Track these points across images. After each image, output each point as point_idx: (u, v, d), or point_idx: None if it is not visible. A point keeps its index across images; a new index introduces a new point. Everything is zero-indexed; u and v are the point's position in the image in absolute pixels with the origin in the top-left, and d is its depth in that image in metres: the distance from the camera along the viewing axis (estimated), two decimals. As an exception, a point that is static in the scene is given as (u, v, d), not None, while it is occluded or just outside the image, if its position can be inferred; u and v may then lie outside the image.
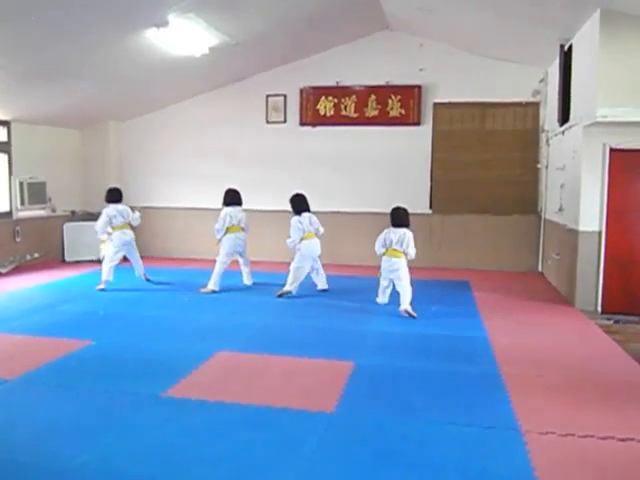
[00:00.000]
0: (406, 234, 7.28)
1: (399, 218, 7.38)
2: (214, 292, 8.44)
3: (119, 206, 8.83)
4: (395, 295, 7.46)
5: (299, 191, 8.47)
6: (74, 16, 6.63)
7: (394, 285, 7.48)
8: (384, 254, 7.39)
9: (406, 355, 5.61)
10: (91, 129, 11.70)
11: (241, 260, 8.94)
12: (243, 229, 8.74)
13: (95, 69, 8.64)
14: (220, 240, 8.62)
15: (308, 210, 8.30)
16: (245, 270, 9.02)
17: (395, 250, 7.27)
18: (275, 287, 8.42)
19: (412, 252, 7.29)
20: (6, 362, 5.30)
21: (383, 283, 7.61)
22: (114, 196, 8.89)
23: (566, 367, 5.31)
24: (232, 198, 8.74)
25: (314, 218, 8.31)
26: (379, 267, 7.59)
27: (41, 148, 10.74)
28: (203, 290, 8.48)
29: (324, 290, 8.50)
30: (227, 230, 8.59)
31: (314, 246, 8.22)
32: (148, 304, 7.80)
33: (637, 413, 4.27)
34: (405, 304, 7.14)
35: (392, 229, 7.35)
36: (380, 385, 4.81)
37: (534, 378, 4.99)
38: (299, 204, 8.28)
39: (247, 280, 9.04)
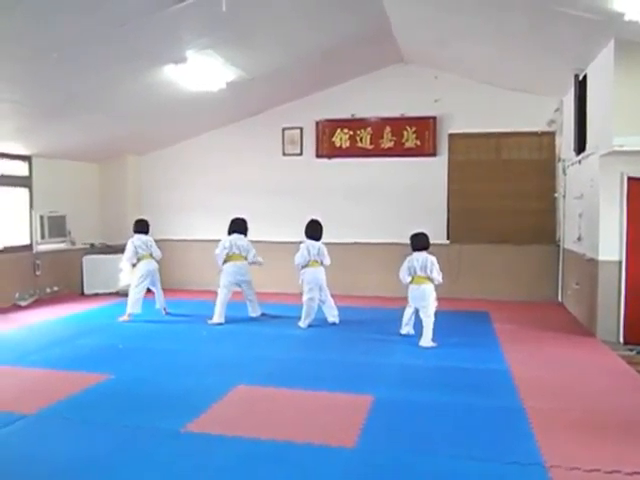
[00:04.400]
0: (428, 258, 7.30)
1: (419, 241, 7.44)
2: (220, 324, 8.45)
3: (143, 237, 8.98)
4: (418, 325, 7.45)
5: (315, 217, 8.57)
6: (94, 53, 6.78)
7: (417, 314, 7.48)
8: (411, 282, 7.38)
9: (426, 388, 5.55)
10: (110, 163, 11.87)
11: (244, 291, 8.93)
12: (246, 258, 8.78)
13: (114, 104, 8.80)
14: (220, 269, 8.74)
15: (318, 239, 8.35)
16: (248, 301, 9.00)
17: (420, 277, 7.29)
18: (290, 319, 8.46)
19: (437, 276, 7.26)
20: (26, 396, 5.31)
21: (408, 311, 7.56)
22: (139, 227, 9.07)
23: (589, 400, 5.23)
24: (233, 226, 8.88)
25: (323, 248, 8.33)
26: (404, 298, 7.61)
27: (61, 182, 10.91)
28: (211, 322, 8.50)
29: (334, 323, 8.41)
30: (227, 259, 8.71)
31: (317, 274, 8.26)
32: (167, 337, 7.80)
33: (664, 448, 4.17)
34: (426, 341, 7.16)
35: (414, 255, 7.38)
36: (400, 419, 4.75)
37: (557, 411, 4.91)
38: (310, 231, 8.41)
39: (252, 312, 8.99)
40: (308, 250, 8.27)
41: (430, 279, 7.27)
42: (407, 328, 7.63)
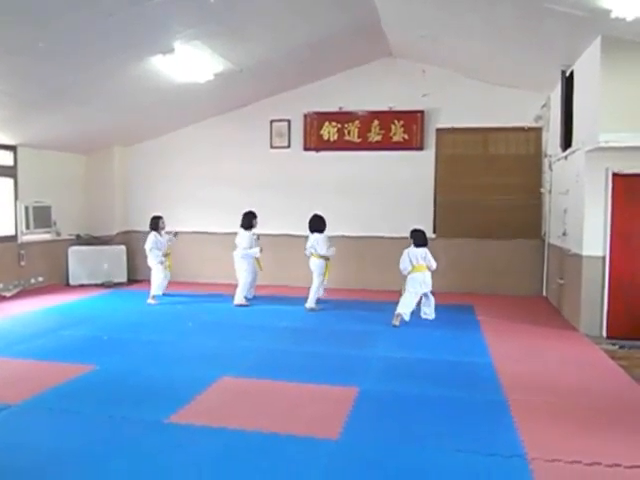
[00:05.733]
0: (426, 250, 8.13)
1: (420, 239, 8.20)
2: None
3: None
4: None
5: (317, 212, 9.13)
6: (80, 44, 6.74)
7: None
8: (412, 271, 8.00)
9: (411, 381, 5.57)
10: (96, 154, 11.80)
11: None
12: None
13: (101, 95, 8.74)
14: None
15: (315, 231, 8.96)
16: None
17: (421, 265, 8.02)
18: (275, 311, 8.48)
19: (434, 264, 8.11)
20: (10, 387, 5.29)
21: (413, 298, 7.98)
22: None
23: (572, 393, 5.28)
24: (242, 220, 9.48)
25: (316, 240, 8.93)
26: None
27: (47, 173, 10.82)
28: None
29: (311, 310, 8.90)
30: None
31: (311, 264, 9.05)
32: (152, 328, 7.78)
33: (644, 440, 4.23)
34: (431, 305, 8.26)
35: (412, 248, 8.13)
36: (385, 411, 4.78)
37: (540, 404, 4.96)
38: (309, 224, 9.10)
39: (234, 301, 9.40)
40: (308, 241, 9.07)
41: (428, 267, 8.06)
42: (406, 315, 7.92)
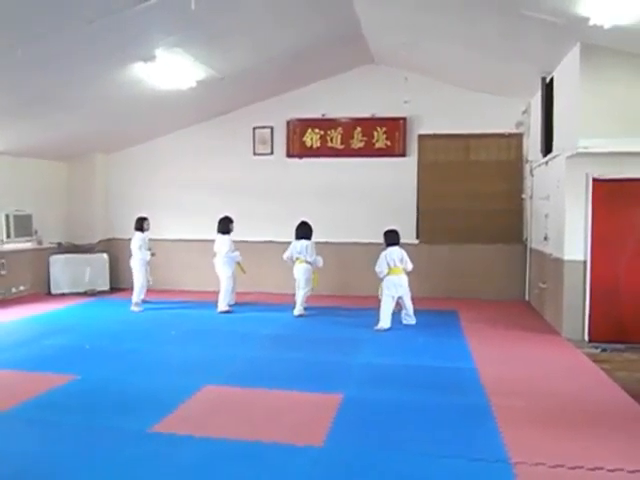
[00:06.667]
0: (402, 252, 8.16)
1: (393, 237, 8.29)
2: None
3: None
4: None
5: (304, 219, 9.20)
6: (61, 50, 6.67)
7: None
8: (389, 274, 8.03)
9: (395, 387, 5.58)
10: (78, 161, 11.69)
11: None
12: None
13: (82, 102, 8.67)
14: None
15: (302, 238, 9.03)
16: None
17: (397, 268, 8.07)
18: (258, 318, 8.49)
19: (410, 266, 8.18)
20: (-10, 398, 5.23)
21: (390, 304, 8.03)
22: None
23: (555, 397, 5.31)
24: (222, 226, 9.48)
25: (304, 246, 8.98)
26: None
27: (27, 180, 10.71)
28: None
29: (300, 316, 8.92)
30: None
31: (296, 271, 9.06)
32: (134, 337, 7.72)
33: (626, 443, 4.25)
34: (411, 314, 8.28)
35: (389, 249, 8.16)
36: (369, 418, 4.77)
37: (523, 409, 4.97)
38: (296, 231, 9.14)
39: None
40: (294, 247, 9.07)
41: (404, 269, 8.11)
42: (386, 322, 7.98)
